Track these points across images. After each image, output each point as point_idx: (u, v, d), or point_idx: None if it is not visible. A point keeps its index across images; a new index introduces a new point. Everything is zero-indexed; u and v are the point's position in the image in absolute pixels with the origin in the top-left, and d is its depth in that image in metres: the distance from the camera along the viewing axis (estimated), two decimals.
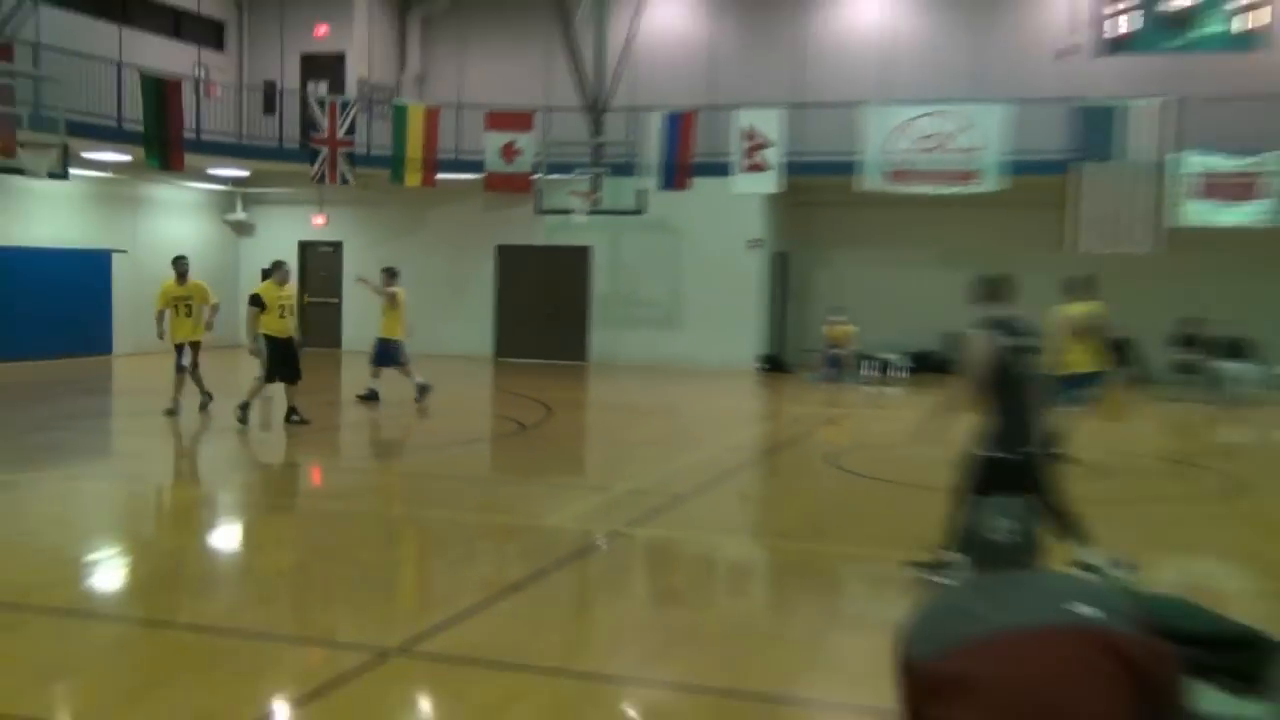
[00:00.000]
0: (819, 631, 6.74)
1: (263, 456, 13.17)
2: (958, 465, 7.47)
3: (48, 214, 22.11)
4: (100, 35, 22.59)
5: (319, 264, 27.05)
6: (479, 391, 20.69)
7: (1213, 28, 21.55)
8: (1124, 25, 21.92)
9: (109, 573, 7.98)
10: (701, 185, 22.47)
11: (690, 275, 23.94)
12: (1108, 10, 22.06)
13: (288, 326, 14.19)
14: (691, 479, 11.56)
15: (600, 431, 14.20)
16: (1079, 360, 11.96)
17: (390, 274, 16.95)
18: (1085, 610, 3.03)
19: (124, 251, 22.99)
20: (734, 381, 20.79)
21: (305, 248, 27.03)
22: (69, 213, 22.65)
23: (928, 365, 23.39)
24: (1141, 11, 21.78)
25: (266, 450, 13.51)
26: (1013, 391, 7.25)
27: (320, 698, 5.44)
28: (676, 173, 22.51)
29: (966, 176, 21.56)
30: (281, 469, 12.53)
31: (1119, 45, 22.10)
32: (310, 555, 8.44)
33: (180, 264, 15.05)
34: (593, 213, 23.06)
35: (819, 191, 23.96)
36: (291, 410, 14.19)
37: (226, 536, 9.33)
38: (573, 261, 24.94)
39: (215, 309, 15.16)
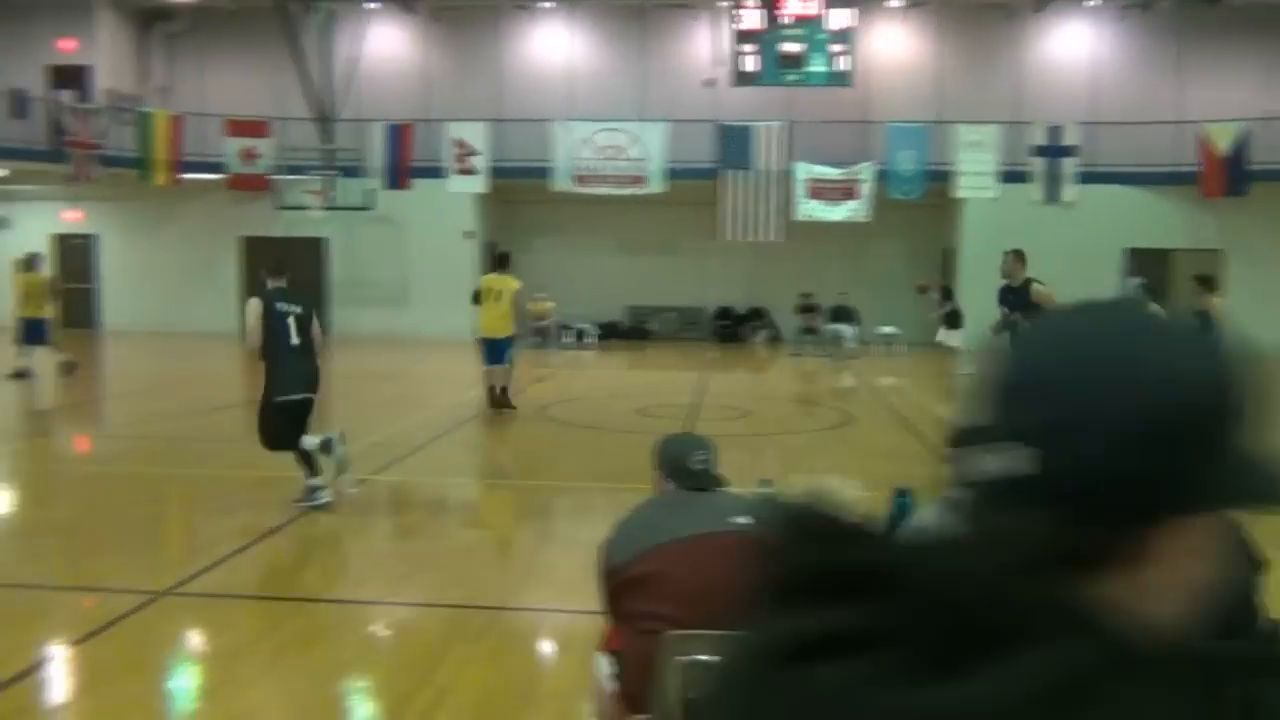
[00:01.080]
0: (534, 551, 6.82)
1: (26, 426, 12.00)
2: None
3: None
4: None
5: (73, 254, 24.80)
6: (229, 366, 19.56)
7: (817, 67, 22.89)
8: (751, 64, 22.95)
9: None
10: (421, 185, 22.09)
11: (415, 261, 23.47)
12: (740, 50, 23.03)
13: None
14: (424, 432, 11.39)
15: (344, 394, 13.74)
16: (491, 324, 12.20)
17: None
18: (741, 520, 3.26)
19: None
20: (455, 351, 20.55)
21: (61, 239, 24.72)
22: None
23: (614, 333, 23.97)
24: (764, 53, 22.87)
25: (28, 420, 12.32)
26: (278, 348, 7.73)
27: (96, 636, 5.06)
28: (399, 175, 22.08)
29: (637, 180, 22.11)
30: (45, 438, 11.47)
31: (748, 79, 23.13)
32: (80, 512, 7.80)
33: None
34: (327, 209, 22.29)
35: (520, 191, 23.99)
36: None
37: (3, 499, 8.49)
38: (311, 250, 23.94)
39: None
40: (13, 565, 6.43)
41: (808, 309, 21.98)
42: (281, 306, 7.83)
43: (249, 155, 22.17)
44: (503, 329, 12.20)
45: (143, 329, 23.83)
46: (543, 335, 22.06)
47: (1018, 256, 9.31)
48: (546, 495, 8.63)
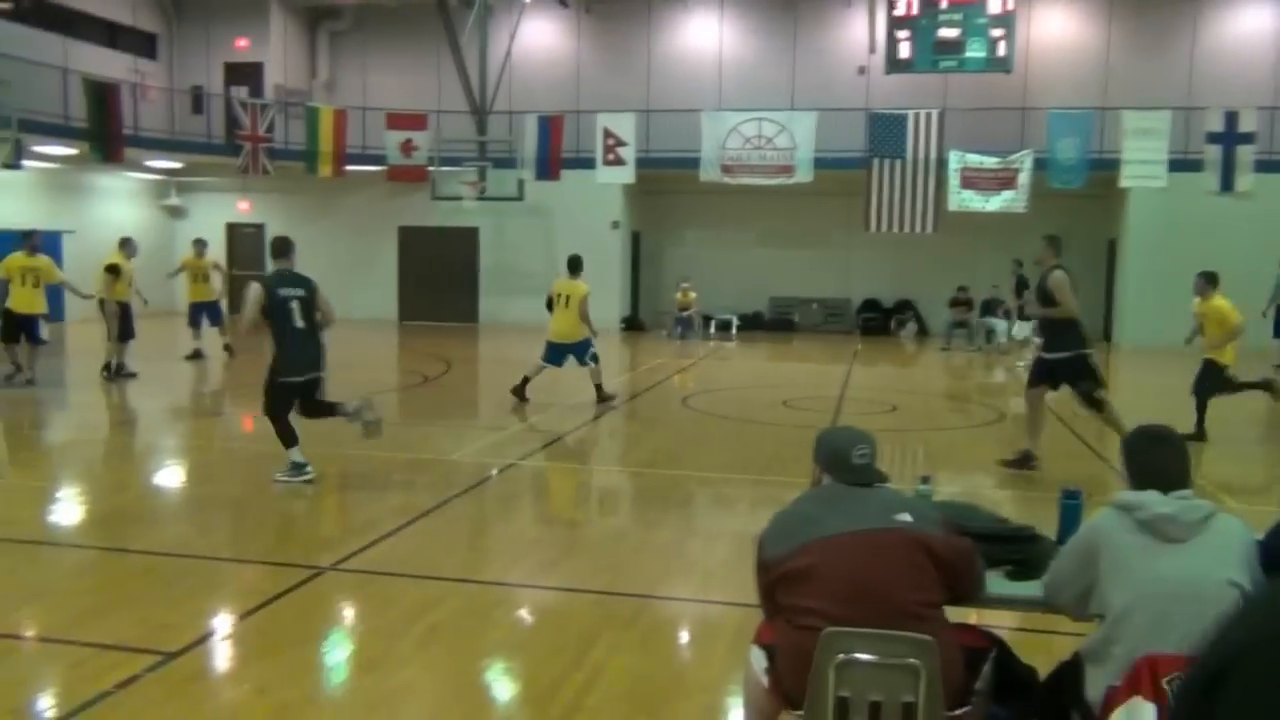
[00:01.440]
0: (679, 541, 6.80)
1: (199, 406, 12.67)
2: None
3: (3, 200, 20.81)
4: (47, 44, 21.31)
5: (245, 244, 26.07)
6: (386, 350, 20.26)
7: (975, 52, 22.12)
8: (905, 50, 22.34)
9: (69, 509, 7.61)
10: (570, 176, 22.32)
11: (562, 250, 23.57)
12: (895, 36, 22.44)
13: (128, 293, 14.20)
14: (570, 420, 11.54)
15: (492, 382, 14.05)
16: (560, 330, 12.18)
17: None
18: (901, 516, 3.18)
19: (73, 232, 21.75)
20: (601, 339, 20.74)
21: (232, 229, 26.03)
22: (23, 199, 21.37)
23: (757, 324, 23.77)
24: (920, 39, 22.22)
25: (196, 401, 13.00)
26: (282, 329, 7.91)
27: (267, 608, 5.29)
28: (549, 165, 22.34)
29: (784, 170, 21.82)
30: (209, 419, 12.08)
31: (902, 66, 22.53)
32: (247, 490, 8.17)
33: (32, 238, 13.73)
34: (480, 199, 22.77)
35: (667, 182, 24.01)
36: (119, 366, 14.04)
37: (168, 476, 8.97)
38: (464, 240, 24.56)
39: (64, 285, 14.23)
40: (187, 538, 6.77)
41: (960, 302, 21.34)
42: (283, 291, 7.99)
43: (407, 148, 22.86)
44: (571, 334, 12.12)
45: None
46: (686, 326, 22.06)
47: (1050, 243, 8.79)
48: (690, 485, 8.60)
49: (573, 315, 12.03)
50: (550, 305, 12.43)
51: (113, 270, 14.20)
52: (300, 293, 8.03)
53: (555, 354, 12.23)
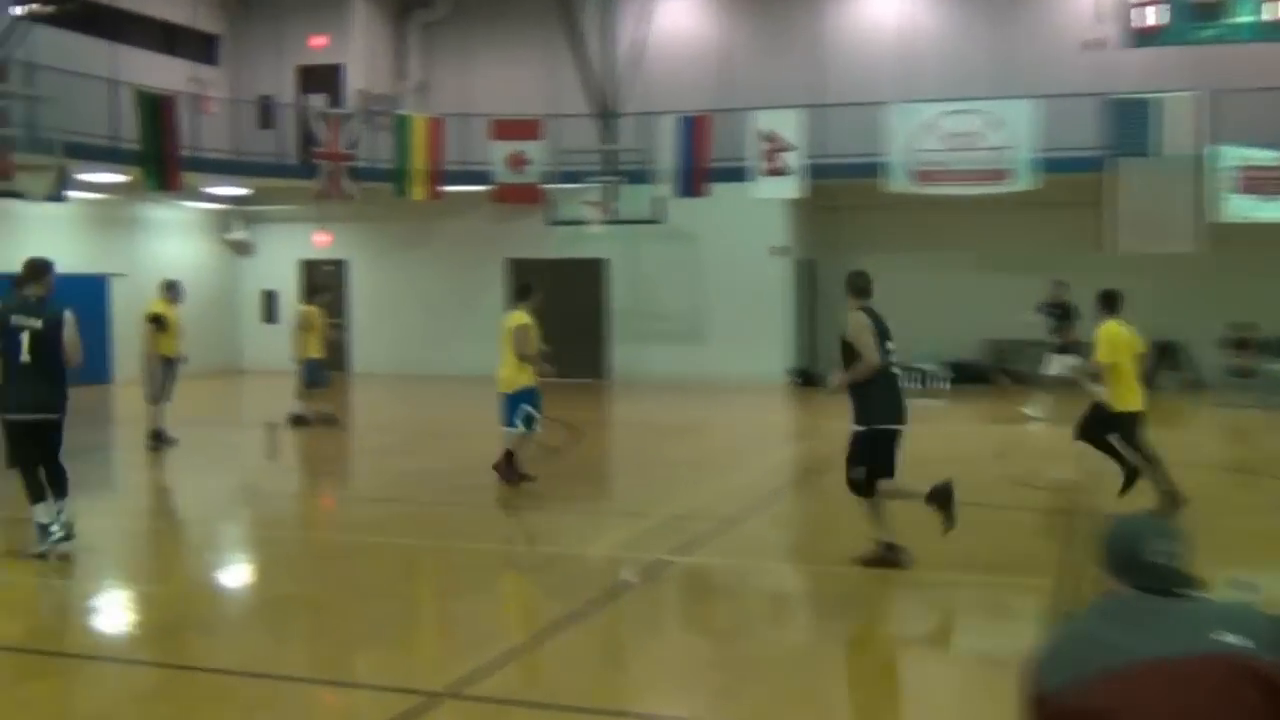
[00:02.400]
0: (889, 663, 6.56)
1: (267, 484, 13.00)
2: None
3: (44, 238, 21.83)
4: (92, 52, 22.54)
5: (322, 284, 26.89)
6: (492, 414, 20.46)
7: (1244, 17, 21.37)
8: (1152, 17, 21.74)
9: (127, 614, 7.81)
10: (720, 191, 22.32)
11: (713, 285, 23.80)
12: (1134, 1, 21.89)
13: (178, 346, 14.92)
14: (733, 502, 11.41)
15: (631, 453, 14.03)
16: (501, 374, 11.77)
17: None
18: (1231, 639, 2.97)
19: (123, 275, 22.84)
20: (765, 397, 20.67)
21: (308, 266, 26.93)
22: (65, 236, 22.49)
23: (968, 375, 23.19)
24: (1169, 3, 21.61)
25: (269, 479, 13.34)
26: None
27: None
28: (693, 179, 22.37)
29: (997, 176, 21.39)
30: (287, 500, 12.36)
31: (1147, 37, 21.92)
32: (338, 591, 8.26)
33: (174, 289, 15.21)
34: (607, 222, 22.98)
35: (844, 195, 23.81)
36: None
37: (245, 572, 9.15)
38: (588, 274, 24.80)
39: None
40: (259, 652, 6.86)
41: (1240, 343, 20.47)
42: (16, 320, 8.60)
43: (517, 161, 23.25)
44: (510, 381, 11.63)
45: (393, 370, 25.47)
46: None
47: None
48: (899, 587, 8.33)
49: (508, 356, 11.57)
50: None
51: (156, 321, 14.79)
52: (37, 324, 8.61)
53: (505, 410, 11.75)
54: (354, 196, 22.96)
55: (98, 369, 22.64)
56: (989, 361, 23.87)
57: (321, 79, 26.50)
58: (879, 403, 8.61)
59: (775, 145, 22.11)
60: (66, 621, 7.43)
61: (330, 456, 15.43)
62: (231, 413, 17.51)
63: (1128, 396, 10.68)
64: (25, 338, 8.52)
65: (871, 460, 8.58)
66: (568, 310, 25.08)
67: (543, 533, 10.18)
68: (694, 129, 22.46)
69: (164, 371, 14.76)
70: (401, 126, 23.25)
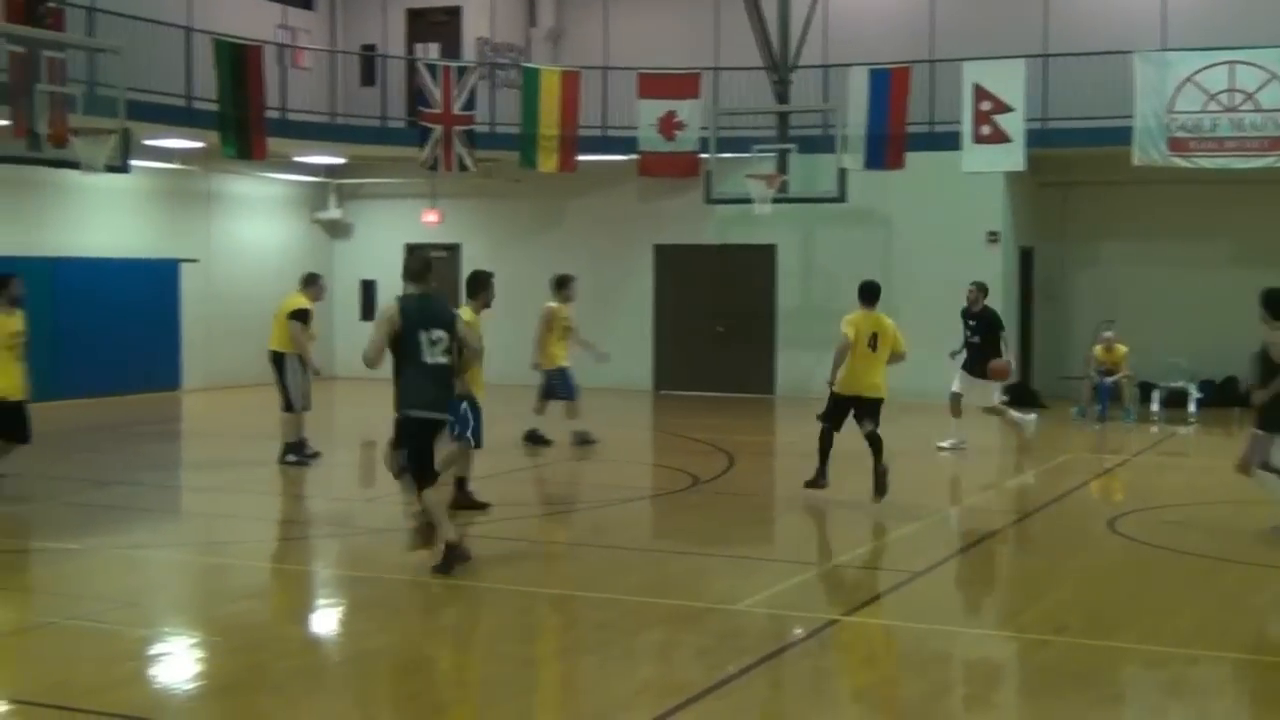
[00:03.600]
0: None
1: (365, 519, 13.25)
2: None
3: (104, 216, 22.78)
4: None
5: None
6: (637, 434, 20.59)
7: None
8: None
9: (187, 667, 8.03)
10: (919, 162, 22.14)
11: (905, 279, 23.45)
12: None
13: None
14: (921, 550, 11.29)
15: (795, 487, 13.94)
16: None
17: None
18: None
19: (195, 261, 23.55)
20: (969, 418, 20.31)
21: (413, 251, 27.36)
22: (129, 214, 23.31)
23: (1230, 396, 22.47)
24: None
25: (373, 508, 13.60)
26: None
27: None
28: (887, 147, 22.19)
29: (1277, 144, 20.82)
30: (388, 532, 12.57)
31: None
32: (437, 644, 8.38)
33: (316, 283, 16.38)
34: (778, 200, 22.85)
35: (1075, 168, 23.47)
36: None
37: (326, 619, 9.35)
38: (753, 264, 24.75)
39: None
40: (333, 718, 6.98)
41: None
42: None
43: (669, 125, 23.32)
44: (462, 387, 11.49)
45: (510, 379, 25.69)
46: (1109, 399, 21.25)
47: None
48: (1130, 664, 8.17)
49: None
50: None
51: (303, 317, 15.62)
52: None
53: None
54: (470, 167, 23.26)
55: (166, 373, 23.40)
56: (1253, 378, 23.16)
57: (435, 26, 26.95)
58: None
59: (991, 105, 21.88)
60: (110, 674, 7.67)
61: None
62: (331, 428, 17.89)
63: None
64: None
65: None
66: (728, 309, 25.10)
67: (687, 582, 10.16)
68: (890, 85, 22.25)
69: (305, 375, 15.54)
70: (530, 83, 23.48)
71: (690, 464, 15.99)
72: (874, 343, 13.07)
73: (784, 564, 11.05)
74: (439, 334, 9.95)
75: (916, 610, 9.54)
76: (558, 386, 17.46)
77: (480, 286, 12.69)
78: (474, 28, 26.49)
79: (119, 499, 13.71)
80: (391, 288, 26.89)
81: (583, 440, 17.28)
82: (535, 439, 17.27)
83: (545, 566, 10.78)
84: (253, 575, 11.04)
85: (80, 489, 14.19)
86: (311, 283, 16.13)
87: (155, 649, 8.39)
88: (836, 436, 13.10)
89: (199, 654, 8.35)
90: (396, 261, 26.64)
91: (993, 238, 23.24)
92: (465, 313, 11.81)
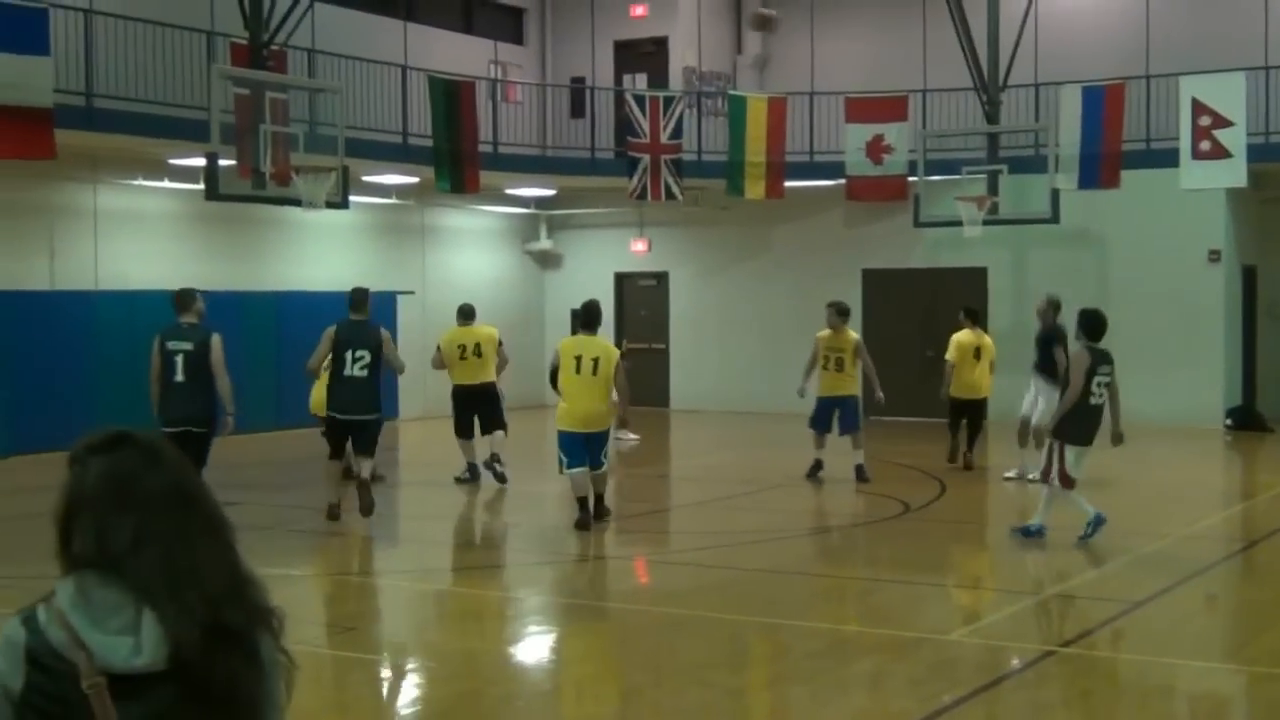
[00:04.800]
0: None
1: (567, 546, 13.35)
2: None
3: (324, 251, 23.45)
4: (381, 34, 23.90)
5: (639, 301, 27.56)
6: (846, 459, 20.43)
7: None
8: None
9: (404, 693, 8.19)
10: (1135, 181, 21.65)
11: (1122, 302, 22.82)
12: None
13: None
14: (1141, 579, 10.98)
15: (1012, 513, 13.73)
16: None
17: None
18: None
19: (410, 293, 24.07)
20: (1191, 445, 19.78)
21: (622, 280, 27.63)
22: (348, 249, 23.97)
23: None
24: None
25: (573, 538, 13.75)
26: None
27: None
28: (1101, 166, 21.78)
29: None
30: (595, 561, 12.67)
31: None
32: (646, 671, 8.40)
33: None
34: (988, 222, 22.56)
35: None
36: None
37: (536, 648, 9.44)
38: (964, 286, 24.35)
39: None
40: None
41: None
42: (172, 344, 11.81)
43: (877, 149, 23.19)
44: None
45: (718, 405, 25.74)
46: None
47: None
48: None
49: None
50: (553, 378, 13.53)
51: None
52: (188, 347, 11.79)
53: None
54: (677, 196, 23.42)
55: (385, 403, 23.82)
56: None
57: (642, 56, 27.21)
58: None
59: (1210, 120, 21.22)
60: (324, 699, 7.85)
61: (644, 511, 15.75)
62: (544, 456, 18.17)
63: None
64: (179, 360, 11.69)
65: None
66: (936, 332, 24.72)
67: (898, 611, 10.05)
68: (1104, 101, 21.85)
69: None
70: (736, 110, 23.58)
71: (900, 490, 15.81)
72: None
73: (998, 593, 10.87)
74: (362, 353, 12.76)
75: (1136, 642, 9.32)
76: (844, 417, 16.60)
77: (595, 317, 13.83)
78: (680, 57, 26.68)
79: (340, 526, 14.06)
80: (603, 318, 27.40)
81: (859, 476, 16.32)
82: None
83: (754, 594, 10.73)
84: (464, 601, 11.23)
85: (304, 517, 14.60)
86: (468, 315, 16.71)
87: (372, 674, 8.59)
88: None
89: (415, 679, 8.53)
90: (608, 290, 27.24)
91: (1214, 257, 22.56)
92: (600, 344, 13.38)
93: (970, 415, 18.00)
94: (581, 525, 12.94)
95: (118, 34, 18.74)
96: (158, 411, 11.80)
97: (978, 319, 17.88)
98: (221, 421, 12.14)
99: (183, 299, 12.18)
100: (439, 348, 16.55)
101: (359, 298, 13.30)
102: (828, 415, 16.39)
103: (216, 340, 11.91)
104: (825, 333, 16.92)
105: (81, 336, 18.71)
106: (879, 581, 11.54)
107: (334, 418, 13.08)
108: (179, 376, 11.74)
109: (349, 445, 13.52)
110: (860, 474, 16.05)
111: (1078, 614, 9.99)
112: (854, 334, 16.95)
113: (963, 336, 17.95)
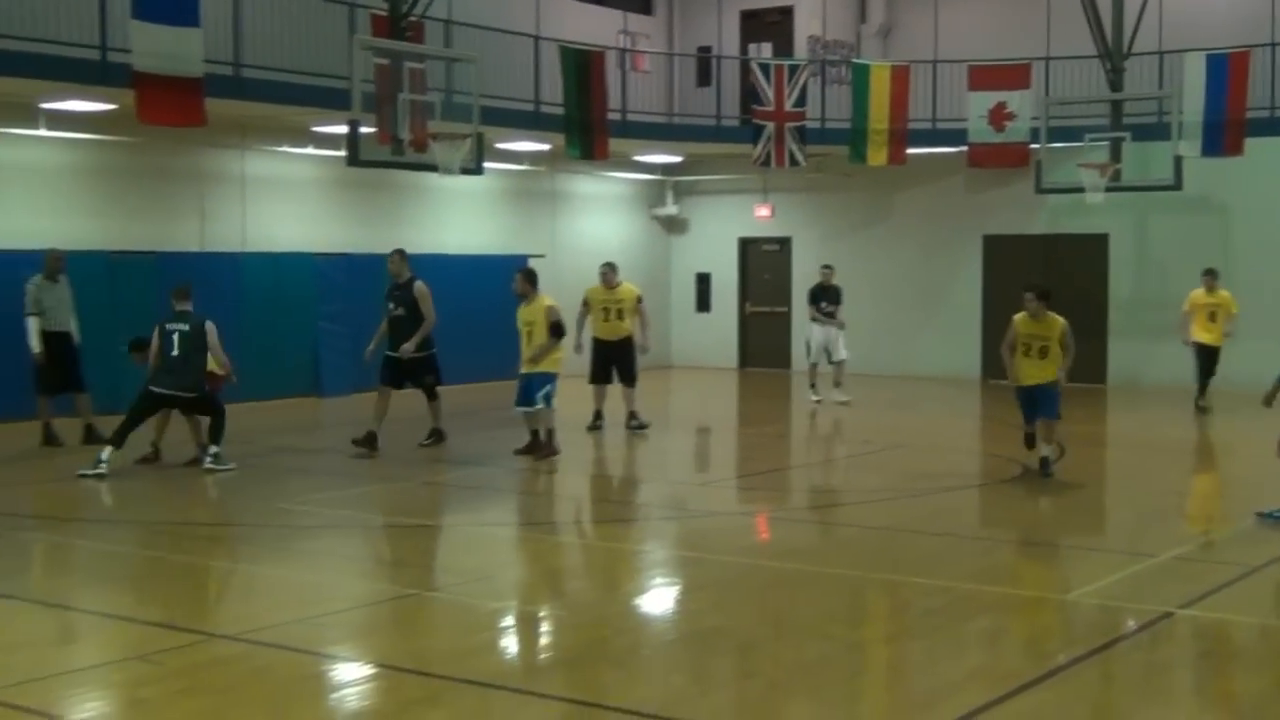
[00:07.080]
0: None
1: (699, 502, 13.42)
2: None
3: (459, 216, 23.75)
4: (514, 6, 24.05)
5: (763, 265, 27.51)
6: (964, 422, 20.27)
7: None
8: None
9: (535, 639, 8.31)
10: (1259, 148, 21.31)
11: (1244, 269, 22.36)
12: None
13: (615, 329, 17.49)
14: (1260, 544, 10.78)
15: (1130, 476, 13.54)
16: None
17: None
18: None
19: (541, 256, 24.19)
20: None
21: (746, 245, 27.60)
22: (480, 213, 24.24)
23: None
24: None
25: (706, 491, 13.78)
26: None
27: None
28: (1225, 133, 21.48)
29: None
30: (714, 518, 12.72)
31: None
32: (769, 625, 8.44)
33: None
34: (1110, 189, 22.22)
35: None
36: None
37: (662, 600, 9.52)
38: (1084, 254, 24.05)
39: None
40: (674, 692, 7.09)
41: None
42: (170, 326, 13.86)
43: (999, 116, 22.95)
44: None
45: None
46: None
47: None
48: None
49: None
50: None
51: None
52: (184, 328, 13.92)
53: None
54: (801, 163, 23.39)
55: (514, 363, 24.04)
56: None
57: (768, 25, 27.15)
58: None
59: None
60: (465, 643, 7.99)
61: (770, 469, 15.78)
62: (668, 413, 18.30)
63: None
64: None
65: None
66: (1058, 299, 24.28)
67: (1016, 571, 9.99)
68: (1229, 69, 21.49)
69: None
70: (860, 78, 23.47)
71: (1020, 452, 15.61)
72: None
73: (1115, 554, 10.71)
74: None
75: (1254, 605, 9.14)
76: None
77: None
78: (806, 26, 26.58)
79: (473, 479, 14.27)
80: (726, 282, 27.47)
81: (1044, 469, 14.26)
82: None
83: (875, 551, 10.73)
84: (595, 554, 11.35)
85: (440, 470, 14.83)
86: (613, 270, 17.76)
87: (506, 621, 8.72)
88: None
89: (546, 627, 8.64)
90: (732, 256, 27.23)
91: None
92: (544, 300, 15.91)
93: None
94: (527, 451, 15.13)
95: (265, 6, 19.12)
96: (150, 378, 13.80)
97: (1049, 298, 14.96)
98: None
99: (180, 290, 14.17)
100: (585, 302, 17.65)
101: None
102: (1032, 404, 14.37)
103: (210, 326, 13.95)
104: (1020, 315, 14.83)
105: (230, 296, 19.07)
106: (997, 541, 11.49)
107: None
108: (175, 351, 13.70)
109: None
110: (1045, 466, 13.95)
111: (1195, 576, 9.82)
112: (1060, 320, 14.81)
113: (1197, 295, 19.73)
